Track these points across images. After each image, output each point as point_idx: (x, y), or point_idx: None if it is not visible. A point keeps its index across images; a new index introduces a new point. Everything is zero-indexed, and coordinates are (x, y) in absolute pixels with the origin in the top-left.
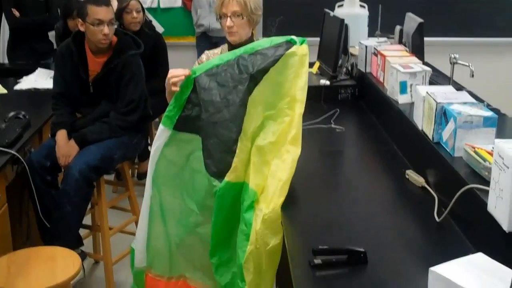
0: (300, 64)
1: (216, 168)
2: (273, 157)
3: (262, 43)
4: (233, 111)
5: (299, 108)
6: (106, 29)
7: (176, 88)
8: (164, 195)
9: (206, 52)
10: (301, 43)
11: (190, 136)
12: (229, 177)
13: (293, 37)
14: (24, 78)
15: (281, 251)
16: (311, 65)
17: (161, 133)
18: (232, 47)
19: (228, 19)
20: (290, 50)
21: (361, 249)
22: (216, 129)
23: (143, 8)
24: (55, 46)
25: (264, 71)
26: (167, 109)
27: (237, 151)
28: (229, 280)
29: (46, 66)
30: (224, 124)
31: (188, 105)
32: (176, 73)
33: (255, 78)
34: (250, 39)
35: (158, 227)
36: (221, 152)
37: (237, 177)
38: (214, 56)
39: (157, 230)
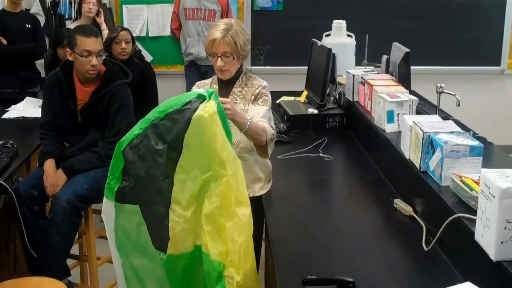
0: (212, 124)
1: (158, 242)
2: (225, 220)
3: (173, 103)
4: (157, 186)
5: (230, 168)
6: (94, 60)
7: None
8: (133, 260)
9: (197, 83)
10: (210, 97)
11: (133, 207)
12: (170, 250)
13: (201, 90)
14: (12, 106)
15: None
16: (299, 93)
17: (106, 205)
18: (222, 81)
19: (219, 59)
20: (197, 113)
21: (350, 279)
22: (147, 204)
23: (133, 39)
24: (43, 75)
25: (179, 138)
26: (107, 180)
27: (170, 224)
28: None
29: (33, 95)
30: (152, 200)
31: (125, 176)
32: None
33: (174, 147)
34: (239, 71)
35: None
36: (156, 227)
37: (178, 248)
38: (205, 87)
39: None
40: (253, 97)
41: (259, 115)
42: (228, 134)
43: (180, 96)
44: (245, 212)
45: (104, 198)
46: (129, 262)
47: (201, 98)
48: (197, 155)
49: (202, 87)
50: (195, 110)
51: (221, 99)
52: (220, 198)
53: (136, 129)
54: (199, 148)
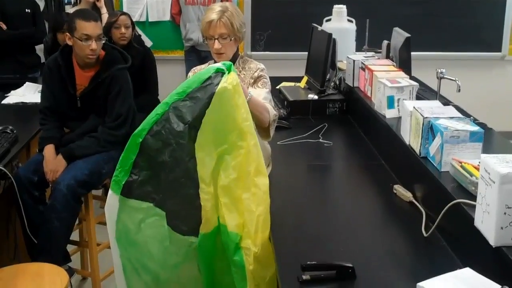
0: (235, 95)
1: (187, 226)
2: (241, 192)
3: (191, 83)
4: (184, 168)
5: (252, 139)
6: (93, 45)
7: None
8: (130, 254)
9: (193, 69)
10: (229, 70)
11: (138, 203)
12: (203, 230)
13: (218, 65)
14: (12, 92)
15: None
16: (299, 79)
17: (111, 198)
18: None
19: (216, 41)
20: (220, 86)
21: (350, 265)
22: (175, 189)
23: (133, 23)
24: (43, 60)
25: (200, 116)
26: (114, 173)
27: (202, 203)
28: None
29: (33, 80)
30: (180, 182)
31: (135, 169)
32: None
33: (194, 126)
34: (236, 55)
35: (137, 282)
36: (186, 210)
37: (210, 226)
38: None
39: (137, 285)
40: (252, 80)
41: (260, 97)
42: None
43: (198, 74)
44: (265, 181)
45: (110, 191)
46: (127, 254)
47: (220, 72)
48: (213, 130)
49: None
50: (218, 84)
51: None
52: (237, 170)
53: (153, 115)
54: (217, 122)
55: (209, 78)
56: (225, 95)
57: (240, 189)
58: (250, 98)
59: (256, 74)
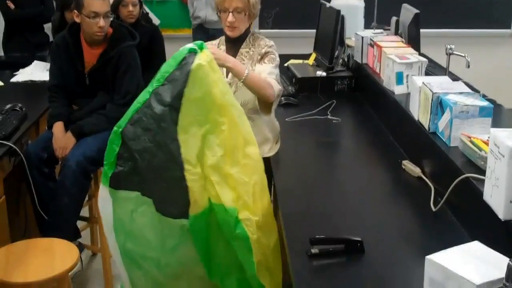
0: (210, 71)
1: (176, 209)
2: (230, 167)
3: (168, 67)
4: (167, 150)
5: (235, 111)
6: (101, 22)
7: None
8: (129, 246)
9: (205, 44)
10: (201, 49)
11: (127, 194)
12: (192, 212)
13: (190, 45)
14: (21, 70)
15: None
16: (307, 56)
17: (102, 191)
18: (230, 40)
19: (230, 14)
20: (195, 63)
21: (358, 239)
22: (159, 173)
23: (140, 1)
24: (51, 38)
25: (179, 96)
26: (103, 170)
27: (188, 184)
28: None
29: (42, 59)
30: (164, 166)
31: (120, 161)
32: None
33: (174, 107)
34: (247, 32)
35: (137, 273)
36: (173, 193)
37: (199, 206)
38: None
39: (136, 274)
40: (259, 57)
41: (265, 72)
42: None
43: (173, 58)
44: (255, 150)
45: (100, 184)
46: (125, 247)
47: (193, 52)
48: (194, 111)
49: (210, 47)
50: (193, 62)
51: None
52: (223, 147)
53: (135, 104)
54: (197, 101)
55: (184, 58)
56: (201, 71)
57: (228, 165)
58: (247, 75)
59: (263, 51)
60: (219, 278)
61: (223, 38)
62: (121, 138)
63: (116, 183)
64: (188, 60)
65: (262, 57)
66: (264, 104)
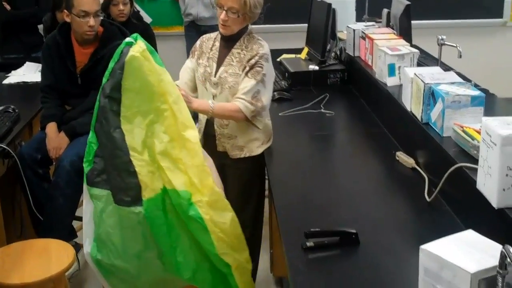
0: (144, 62)
1: (129, 196)
2: (178, 151)
3: (111, 63)
4: (112, 139)
5: (171, 96)
6: (91, 21)
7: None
8: (102, 254)
9: (202, 36)
10: (136, 40)
11: (100, 192)
12: (145, 196)
13: (128, 39)
14: (13, 72)
15: (236, 217)
16: (299, 51)
17: (85, 191)
18: (224, 38)
19: (224, 12)
20: (129, 55)
21: (353, 230)
22: (111, 162)
23: (131, 0)
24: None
25: (116, 87)
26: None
27: (136, 169)
28: (211, 278)
29: (37, 60)
30: (113, 153)
31: (96, 158)
32: None
33: (113, 98)
34: (242, 31)
35: (115, 279)
36: (124, 179)
37: (151, 190)
38: (209, 41)
39: (114, 281)
40: (247, 67)
41: (242, 91)
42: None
43: (115, 53)
44: (193, 133)
45: (84, 184)
46: (99, 254)
47: (129, 45)
48: (136, 101)
49: (206, 41)
50: (127, 53)
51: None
52: (169, 133)
53: (96, 103)
54: (137, 91)
55: (122, 52)
56: (135, 62)
57: (176, 149)
58: (213, 111)
59: (253, 61)
60: (191, 273)
61: (219, 34)
62: (95, 135)
63: (90, 181)
64: (124, 53)
65: (250, 68)
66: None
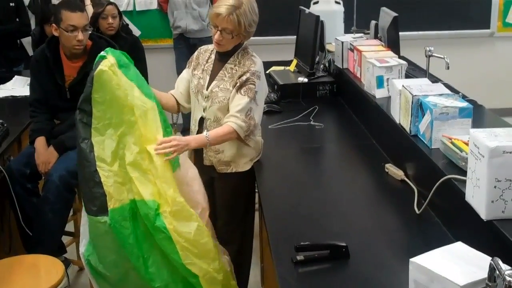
0: (112, 76)
1: (95, 206)
2: (148, 163)
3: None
4: (79, 150)
5: (137, 110)
6: (80, 35)
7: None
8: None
9: (200, 48)
10: (107, 53)
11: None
12: (110, 206)
13: (102, 53)
14: (1, 86)
15: (205, 226)
16: (288, 63)
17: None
18: (220, 53)
19: (218, 32)
20: (98, 69)
21: (343, 244)
22: (80, 174)
23: (120, 13)
24: (31, 53)
25: (87, 99)
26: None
27: (101, 179)
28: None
29: (18, 73)
30: (81, 164)
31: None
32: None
33: (83, 110)
34: (238, 46)
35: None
36: (91, 189)
37: (116, 200)
38: (206, 53)
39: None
40: (238, 84)
41: (236, 109)
42: (142, 83)
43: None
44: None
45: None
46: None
47: (102, 59)
48: (108, 113)
49: (203, 53)
50: (97, 67)
51: (163, 139)
52: (138, 144)
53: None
54: (108, 104)
55: (95, 65)
56: (104, 76)
57: (146, 160)
58: (210, 141)
59: (244, 78)
60: (164, 284)
61: (204, 48)
62: None
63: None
64: (97, 67)
65: (241, 85)
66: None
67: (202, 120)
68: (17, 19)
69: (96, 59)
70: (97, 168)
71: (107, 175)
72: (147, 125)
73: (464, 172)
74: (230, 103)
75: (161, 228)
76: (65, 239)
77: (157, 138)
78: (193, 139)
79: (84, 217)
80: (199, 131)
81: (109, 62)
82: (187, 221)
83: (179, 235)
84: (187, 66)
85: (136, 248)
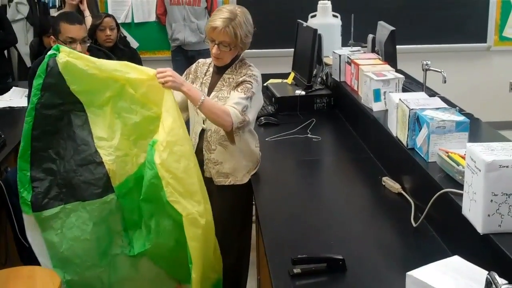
0: (77, 59)
1: (100, 188)
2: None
3: (36, 81)
4: (75, 138)
5: (118, 72)
6: (78, 47)
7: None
8: (71, 274)
9: (198, 61)
10: (58, 50)
11: (51, 211)
12: (115, 183)
13: (49, 52)
14: None
15: (196, 167)
16: (286, 76)
17: (28, 223)
18: (217, 66)
19: (216, 46)
20: (60, 62)
21: (340, 257)
22: (76, 160)
23: (118, 25)
24: (29, 64)
25: (67, 92)
26: (20, 196)
27: (103, 159)
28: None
29: (6, 88)
30: (77, 150)
31: (35, 183)
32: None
33: (70, 102)
34: (235, 58)
35: None
36: (93, 171)
37: (120, 175)
38: (204, 66)
39: None
40: (235, 85)
41: (232, 101)
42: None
43: (38, 72)
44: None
45: (24, 216)
46: (68, 276)
47: (53, 57)
48: (95, 96)
49: (201, 66)
50: (57, 63)
51: (159, 69)
52: (135, 101)
53: (25, 126)
54: (89, 90)
55: (47, 66)
56: (69, 65)
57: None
58: (203, 102)
59: (240, 79)
60: (183, 277)
61: (203, 61)
62: (30, 161)
63: (38, 205)
64: (53, 65)
65: (238, 85)
66: (227, 133)
67: (202, 132)
68: (1, 30)
69: (46, 59)
70: (97, 149)
71: (108, 153)
72: (137, 71)
73: (461, 186)
74: (227, 102)
75: (150, 162)
76: None
77: (150, 74)
78: (190, 86)
79: (38, 246)
80: (200, 143)
81: (65, 52)
82: (179, 157)
83: (167, 170)
84: (184, 77)
85: (140, 213)
